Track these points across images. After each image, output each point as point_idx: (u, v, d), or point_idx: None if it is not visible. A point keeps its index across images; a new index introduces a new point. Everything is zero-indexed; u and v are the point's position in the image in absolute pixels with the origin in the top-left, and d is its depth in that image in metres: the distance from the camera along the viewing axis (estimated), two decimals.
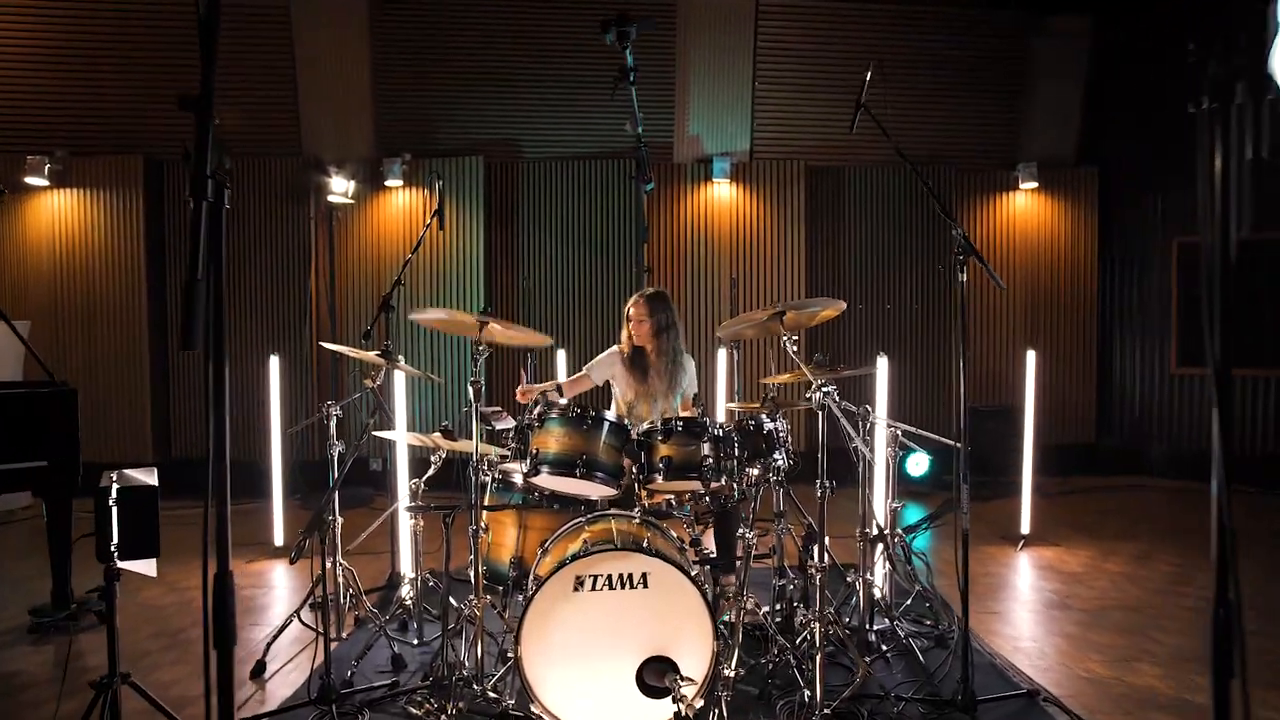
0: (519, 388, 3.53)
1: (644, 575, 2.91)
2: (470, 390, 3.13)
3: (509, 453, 3.31)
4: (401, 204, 7.44)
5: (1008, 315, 8.10)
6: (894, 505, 3.95)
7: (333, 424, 3.73)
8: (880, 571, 4.00)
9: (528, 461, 3.10)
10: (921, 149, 7.92)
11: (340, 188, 7.10)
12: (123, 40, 7.02)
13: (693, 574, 2.98)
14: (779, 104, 7.70)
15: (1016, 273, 8.09)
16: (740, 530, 3.19)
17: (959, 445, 3.17)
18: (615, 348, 4.15)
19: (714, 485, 3.14)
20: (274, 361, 5.39)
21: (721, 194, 7.67)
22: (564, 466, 3.05)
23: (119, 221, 7.20)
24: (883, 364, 4.31)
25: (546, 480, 3.13)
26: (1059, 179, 8.05)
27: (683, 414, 4.06)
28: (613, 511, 3.30)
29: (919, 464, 7.46)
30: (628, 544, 2.98)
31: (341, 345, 3.57)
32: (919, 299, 7.90)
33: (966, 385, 3.12)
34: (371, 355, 3.52)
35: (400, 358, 4.34)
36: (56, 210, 7.22)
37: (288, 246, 7.42)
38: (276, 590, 4.86)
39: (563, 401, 3.24)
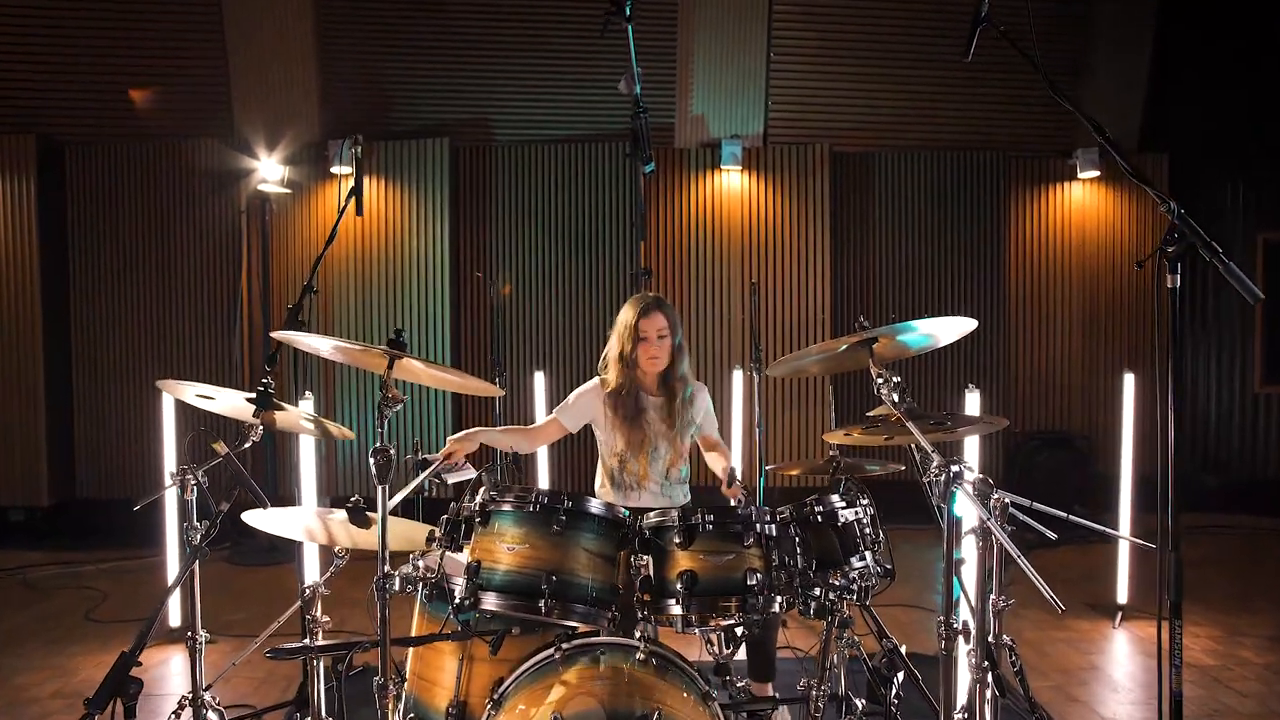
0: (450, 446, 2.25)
1: None
2: (372, 461, 1.95)
3: (439, 541, 2.12)
4: None
5: (1061, 323, 6.95)
6: (1005, 603, 2.78)
7: (191, 495, 2.52)
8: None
9: (463, 579, 1.91)
10: (964, 133, 6.79)
11: (274, 174, 5.90)
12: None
13: None
14: (799, 78, 6.54)
15: (1073, 276, 6.95)
16: (804, 682, 2.02)
17: (1154, 547, 2.01)
18: (595, 381, 2.99)
19: (767, 608, 1.95)
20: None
21: (731, 184, 6.51)
22: (521, 594, 1.87)
23: (6, 214, 5.97)
24: (974, 402, 3.14)
25: (495, 609, 1.94)
26: (1122, 167, 6.90)
27: (723, 487, 2.91)
28: (601, 640, 2.12)
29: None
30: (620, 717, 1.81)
31: (185, 381, 2.37)
32: (965, 308, 6.74)
33: (1175, 463, 1.95)
34: (238, 399, 2.33)
35: (308, 398, 3.16)
36: None
37: (217, 246, 6.22)
38: (155, 699, 3.62)
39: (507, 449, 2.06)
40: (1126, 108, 6.95)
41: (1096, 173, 6.78)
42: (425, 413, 6.17)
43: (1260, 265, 6.76)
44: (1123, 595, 4.55)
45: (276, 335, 2.06)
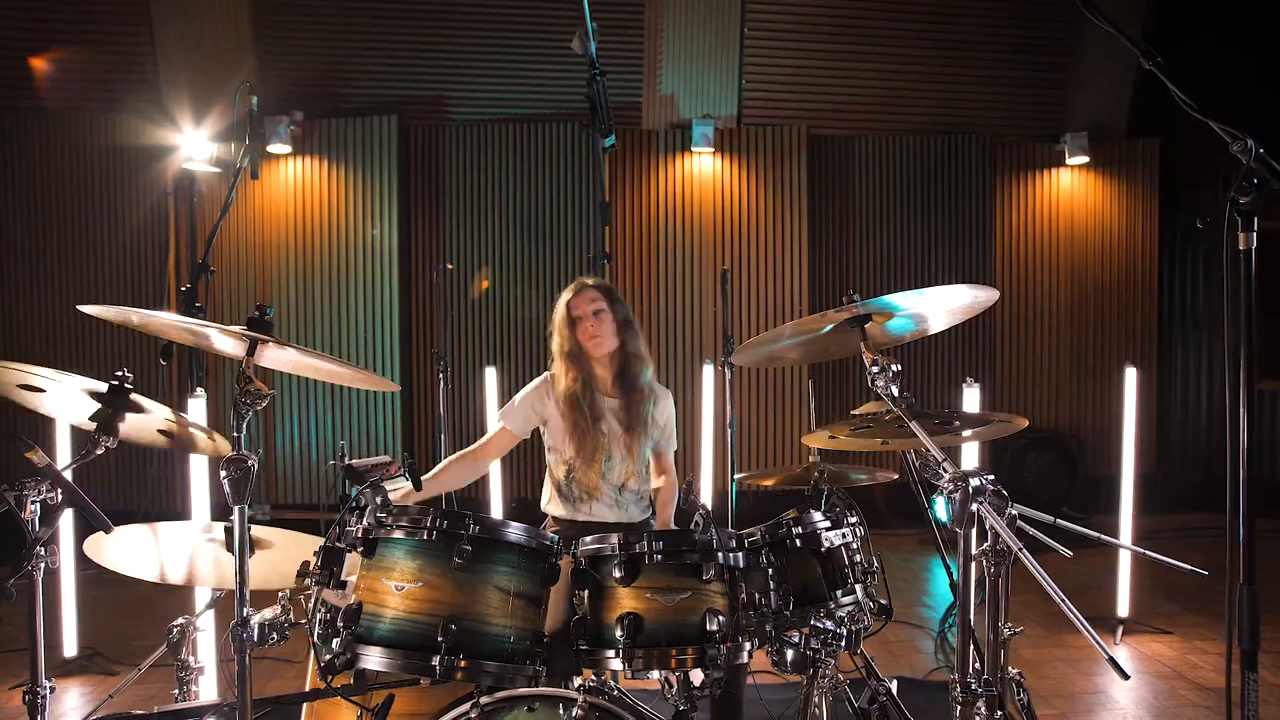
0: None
1: None
2: (223, 474, 1.51)
3: (314, 576, 1.66)
4: (290, 176, 5.74)
5: (1049, 317, 6.63)
6: (1011, 631, 2.39)
7: (33, 515, 2.05)
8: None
9: (340, 628, 1.47)
10: (948, 116, 6.43)
11: (202, 152, 5.39)
12: None
13: None
14: (775, 56, 6.14)
15: (1061, 268, 6.63)
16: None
17: (1206, 574, 1.64)
18: (544, 377, 2.60)
19: (731, 661, 1.54)
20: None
21: (703, 167, 6.11)
22: (413, 649, 1.43)
23: None
24: (973, 397, 2.75)
25: (378, 668, 1.50)
26: (1111, 153, 6.60)
27: (659, 500, 2.49)
28: (530, 692, 1.69)
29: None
30: None
31: (11, 364, 1.91)
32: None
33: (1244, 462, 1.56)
34: (73, 394, 1.87)
35: (200, 396, 2.71)
36: None
37: (141, 230, 5.71)
38: None
39: (407, 492, 1.64)
40: (1117, 94, 6.63)
41: (1086, 158, 6.45)
42: (371, 413, 5.70)
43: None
44: (1123, 608, 4.20)
45: (87, 309, 1.61)
